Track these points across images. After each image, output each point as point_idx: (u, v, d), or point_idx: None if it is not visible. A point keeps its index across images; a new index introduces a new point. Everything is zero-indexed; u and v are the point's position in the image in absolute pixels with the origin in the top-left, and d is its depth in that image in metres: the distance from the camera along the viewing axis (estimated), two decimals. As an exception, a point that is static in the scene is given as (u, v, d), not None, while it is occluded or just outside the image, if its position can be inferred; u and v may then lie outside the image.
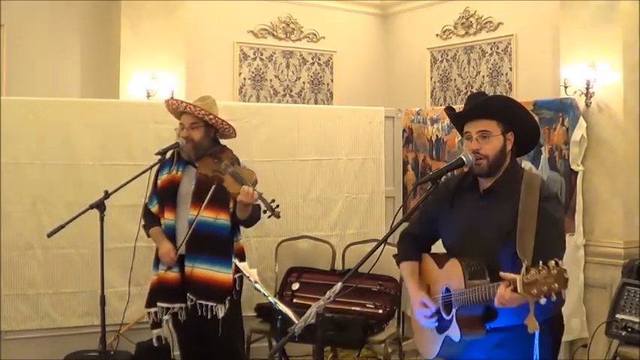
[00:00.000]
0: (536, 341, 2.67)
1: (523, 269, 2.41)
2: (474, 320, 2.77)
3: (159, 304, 4.07)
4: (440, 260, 2.96)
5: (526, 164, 5.07)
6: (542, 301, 2.39)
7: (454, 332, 2.80)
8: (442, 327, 2.88)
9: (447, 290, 2.85)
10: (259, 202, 3.94)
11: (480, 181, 2.92)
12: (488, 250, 2.77)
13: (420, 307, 2.92)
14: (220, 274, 3.96)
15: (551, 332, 2.84)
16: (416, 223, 3.14)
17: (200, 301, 3.98)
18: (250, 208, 3.93)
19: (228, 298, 3.97)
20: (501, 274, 2.56)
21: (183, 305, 4.02)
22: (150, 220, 4.18)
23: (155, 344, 4.19)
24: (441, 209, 3.00)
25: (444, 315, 2.87)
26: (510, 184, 2.83)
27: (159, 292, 4.09)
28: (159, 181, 4.14)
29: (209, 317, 3.95)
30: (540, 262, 2.40)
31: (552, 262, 2.40)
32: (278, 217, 3.92)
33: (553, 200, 2.82)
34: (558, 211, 2.84)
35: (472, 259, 2.78)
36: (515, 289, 2.44)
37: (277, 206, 3.90)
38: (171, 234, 4.07)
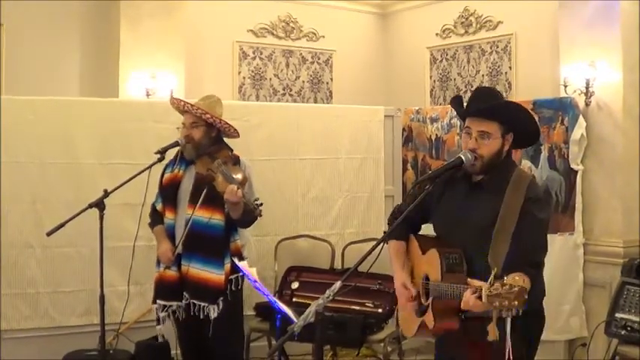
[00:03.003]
0: (508, 336, 2.69)
1: (491, 278, 2.45)
2: (448, 311, 2.82)
3: (158, 301, 4.08)
4: (425, 244, 3.00)
5: (525, 163, 5.07)
6: (505, 314, 2.41)
7: (429, 320, 2.86)
8: (421, 311, 2.94)
9: (427, 278, 2.92)
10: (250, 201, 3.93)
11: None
12: (469, 241, 2.82)
13: (400, 288, 2.96)
14: (213, 274, 3.95)
15: (526, 328, 2.79)
16: (408, 202, 3.15)
17: (193, 301, 3.98)
18: (241, 208, 3.88)
19: (221, 298, 3.95)
20: (468, 280, 2.63)
21: (181, 304, 4.02)
22: (155, 218, 4.20)
23: (159, 340, 4.20)
24: (433, 194, 2.99)
25: (423, 300, 2.94)
26: (499, 180, 2.85)
27: (159, 290, 4.10)
28: (163, 180, 4.15)
29: (201, 317, 3.95)
30: (505, 277, 2.44)
31: (516, 278, 2.44)
32: (259, 215, 3.92)
33: (539, 202, 2.84)
34: (543, 212, 2.85)
35: (452, 250, 2.84)
36: (480, 297, 2.48)
37: (260, 204, 3.89)
38: (171, 233, 4.08)
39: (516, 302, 2.39)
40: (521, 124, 2.90)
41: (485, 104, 2.90)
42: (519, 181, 2.82)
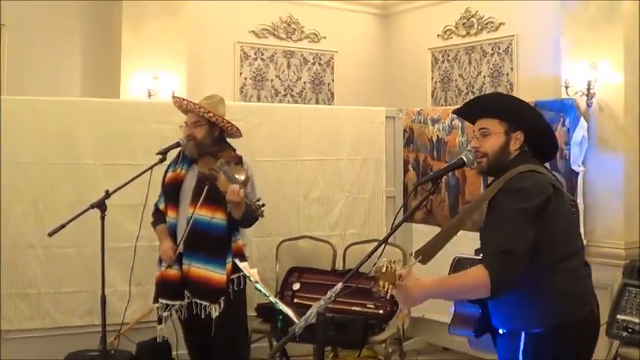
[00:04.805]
0: (521, 345, 2.67)
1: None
2: (466, 317, 2.83)
3: (160, 300, 4.09)
4: None
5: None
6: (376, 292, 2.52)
7: None
8: None
9: None
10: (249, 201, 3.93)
11: None
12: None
13: None
14: (215, 273, 3.95)
15: (556, 339, 2.71)
16: None
17: (195, 300, 3.98)
18: (243, 208, 3.89)
19: (223, 298, 3.94)
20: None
21: (183, 303, 4.03)
22: (157, 217, 4.20)
23: (158, 340, 4.20)
24: None
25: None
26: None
27: (161, 289, 4.10)
28: (166, 179, 4.15)
29: (203, 317, 3.95)
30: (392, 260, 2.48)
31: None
32: (261, 216, 3.93)
33: (514, 193, 2.61)
34: (516, 203, 2.58)
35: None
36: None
37: (263, 205, 3.89)
38: (173, 232, 4.08)
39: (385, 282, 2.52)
40: (524, 117, 2.79)
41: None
42: (504, 177, 2.66)
